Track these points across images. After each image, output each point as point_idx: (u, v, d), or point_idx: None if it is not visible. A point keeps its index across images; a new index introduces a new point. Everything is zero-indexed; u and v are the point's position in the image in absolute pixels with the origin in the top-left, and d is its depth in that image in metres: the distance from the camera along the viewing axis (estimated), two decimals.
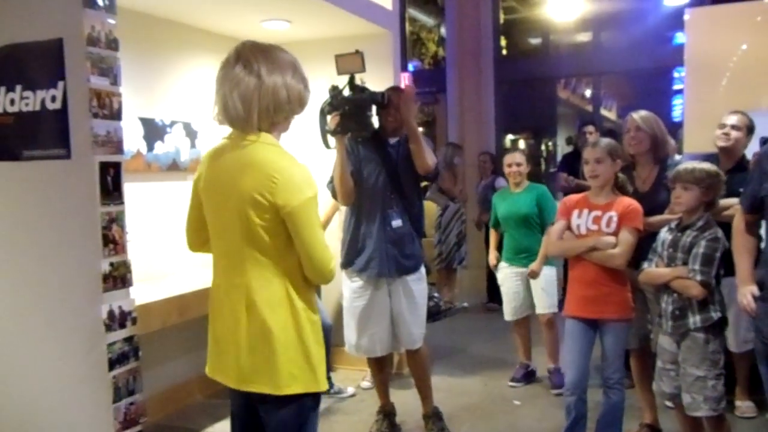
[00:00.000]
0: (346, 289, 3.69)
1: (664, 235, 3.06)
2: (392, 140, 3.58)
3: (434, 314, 6.26)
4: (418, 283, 3.65)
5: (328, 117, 3.37)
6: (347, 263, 3.63)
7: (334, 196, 3.65)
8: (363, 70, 3.36)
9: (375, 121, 3.49)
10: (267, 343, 2.02)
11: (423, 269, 3.71)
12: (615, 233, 3.12)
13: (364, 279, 3.59)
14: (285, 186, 1.96)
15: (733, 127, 3.75)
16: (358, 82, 3.42)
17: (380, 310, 3.61)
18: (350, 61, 3.37)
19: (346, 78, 3.41)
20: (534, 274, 4.41)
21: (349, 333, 3.70)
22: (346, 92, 3.39)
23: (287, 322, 2.03)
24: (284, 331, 2.02)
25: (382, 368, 3.86)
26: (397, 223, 3.53)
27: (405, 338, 3.66)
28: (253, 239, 2.01)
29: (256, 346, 2.03)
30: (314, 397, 2.13)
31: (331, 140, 3.40)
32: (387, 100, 3.45)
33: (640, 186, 3.42)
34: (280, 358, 2.02)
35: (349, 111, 3.32)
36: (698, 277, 2.84)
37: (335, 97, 3.36)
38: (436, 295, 6.59)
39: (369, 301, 3.60)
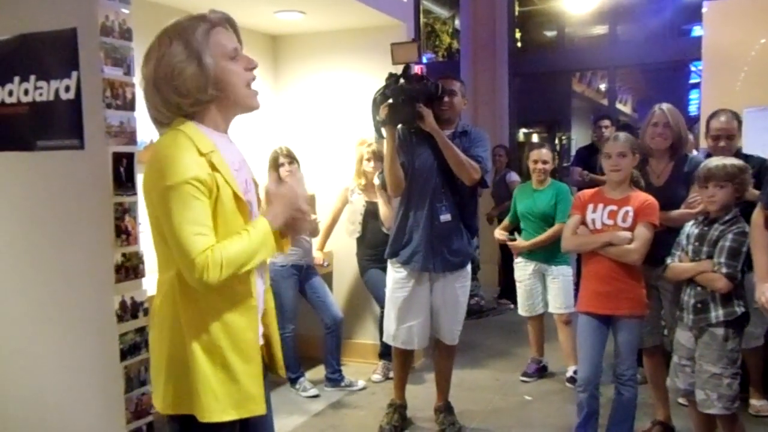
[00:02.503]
0: (390, 279, 3.67)
1: (690, 228, 3.02)
2: (447, 132, 3.48)
3: (476, 312, 6.24)
4: (461, 281, 3.61)
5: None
6: (392, 254, 3.61)
7: (384, 186, 3.62)
8: (419, 59, 3.33)
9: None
10: (155, 360, 1.84)
11: (469, 267, 3.67)
12: (630, 228, 3.08)
13: (407, 271, 3.57)
14: (155, 171, 1.69)
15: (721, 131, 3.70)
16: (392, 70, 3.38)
17: (420, 303, 3.59)
18: (406, 50, 3.34)
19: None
20: (516, 248, 4.49)
21: (389, 323, 3.68)
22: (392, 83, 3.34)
23: (176, 336, 1.75)
24: (173, 346, 1.76)
25: (407, 363, 3.86)
26: (445, 217, 3.48)
27: (444, 333, 3.66)
28: (153, 235, 1.80)
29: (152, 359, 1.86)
30: (210, 427, 1.75)
31: (384, 130, 3.38)
32: (441, 91, 3.42)
33: (655, 180, 3.38)
34: (168, 375, 1.78)
35: (401, 101, 3.28)
36: (724, 270, 2.81)
37: (388, 87, 3.32)
38: (480, 293, 6.56)
39: (410, 294, 3.57)
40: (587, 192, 3.31)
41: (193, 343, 1.73)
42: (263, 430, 2.03)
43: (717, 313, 2.86)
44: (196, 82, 1.72)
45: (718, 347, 2.86)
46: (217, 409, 1.74)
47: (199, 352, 1.73)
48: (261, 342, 1.90)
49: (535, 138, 13.35)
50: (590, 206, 3.21)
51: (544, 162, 4.53)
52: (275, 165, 4.16)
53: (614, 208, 3.14)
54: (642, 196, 3.13)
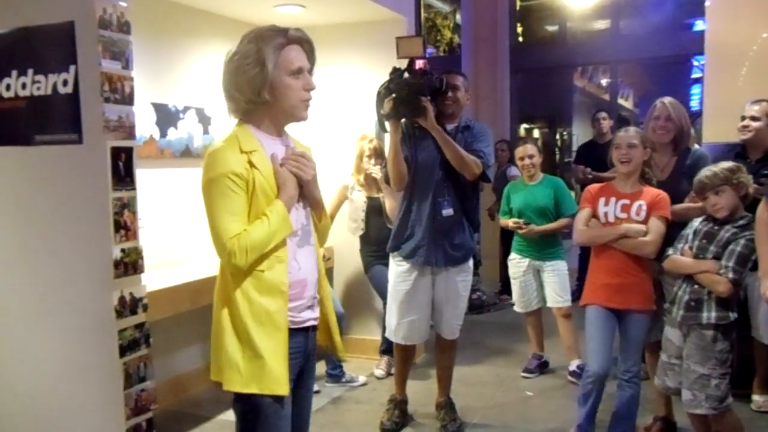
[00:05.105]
0: (392, 273, 3.66)
1: (699, 224, 2.99)
2: (450, 126, 3.49)
3: (477, 307, 6.23)
4: (463, 276, 3.60)
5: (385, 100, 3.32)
6: (394, 247, 3.60)
7: (387, 180, 3.60)
8: (423, 54, 3.32)
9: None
10: (213, 331, 2.03)
11: (470, 262, 3.66)
12: (644, 222, 3.07)
13: (410, 264, 3.55)
14: (202, 167, 1.95)
15: (752, 118, 3.70)
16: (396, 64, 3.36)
17: (422, 297, 3.57)
18: (411, 45, 3.33)
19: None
20: (531, 232, 4.39)
21: (390, 317, 3.68)
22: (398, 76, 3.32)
23: (223, 311, 1.98)
24: (219, 320, 1.99)
25: (408, 358, 3.85)
26: (447, 212, 3.47)
27: (444, 328, 3.65)
28: None
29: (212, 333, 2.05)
30: (250, 401, 1.96)
31: (387, 124, 3.36)
32: (445, 86, 3.40)
33: (658, 174, 3.36)
34: (215, 345, 2.01)
35: (405, 95, 3.27)
36: (730, 275, 2.77)
37: (392, 81, 3.31)
38: (481, 288, 6.55)
39: (412, 287, 3.56)
40: (597, 185, 3.30)
41: (224, 319, 1.96)
42: (301, 409, 2.17)
43: (709, 314, 2.83)
44: (253, 85, 1.93)
45: (707, 348, 2.84)
46: (239, 381, 1.94)
47: (228, 328, 1.95)
48: (314, 323, 2.12)
49: (536, 133, 13.34)
50: (602, 199, 3.20)
51: (530, 156, 4.52)
52: None
53: (627, 201, 3.13)
54: (654, 191, 3.12)
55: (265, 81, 1.93)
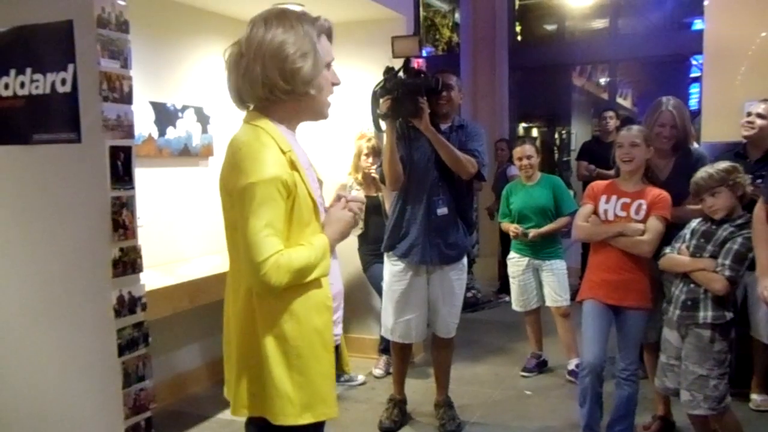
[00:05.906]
0: (387, 273, 3.66)
1: (696, 224, 3.00)
2: (444, 126, 3.51)
3: (472, 305, 6.24)
4: (458, 274, 3.61)
5: (381, 100, 3.32)
6: (389, 247, 3.60)
7: (383, 180, 3.62)
8: (419, 53, 3.30)
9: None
10: (233, 361, 1.84)
11: (465, 260, 3.67)
12: (643, 221, 3.08)
13: (405, 263, 3.56)
14: (236, 167, 1.69)
15: (759, 115, 3.68)
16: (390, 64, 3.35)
17: (418, 296, 3.58)
18: (407, 44, 3.32)
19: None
20: (535, 236, 4.38)
21: (386, 317, 3.68)
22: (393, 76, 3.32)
23: (249, 338, 1.76)
24: (258, 348, 1.75)
25: (405, 357, 3.85)
26: (442, 211, 3.48)
27: (440, 327, 3.66)
28: (230, 238, 1.80)
29: (229, 360, 1.87)
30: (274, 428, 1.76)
31: (383, 123, 3.36)
32: (441, 86, 3.41)
33: (657, 175, 3.36)
34: (241, 375, 1.80)
35: (402, 95, 3.27)
36: (726, 272, 2.78)
37: (388, 80, 3.31)
38: (476, 286, 6.56)
39: (408, 287, 3.57)
40: (601, 183, 3.32)
41: (269, 344, 1.72)
42: None
43: (705, 314, 2.83)
44: (306, 76, 1.74)
45: (705, 348, 2.84)
46: (293, 413, 1.74)
47: (274, 355, 1.72)
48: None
49: (534, 133, 13.33)
50: (603, 197, 3.21)
51: (528, 157, 4.52)
52: None
53: (627, 200, 3.14)
54: (655, 191, 3.13)
55: (318, 72, 1.77)
